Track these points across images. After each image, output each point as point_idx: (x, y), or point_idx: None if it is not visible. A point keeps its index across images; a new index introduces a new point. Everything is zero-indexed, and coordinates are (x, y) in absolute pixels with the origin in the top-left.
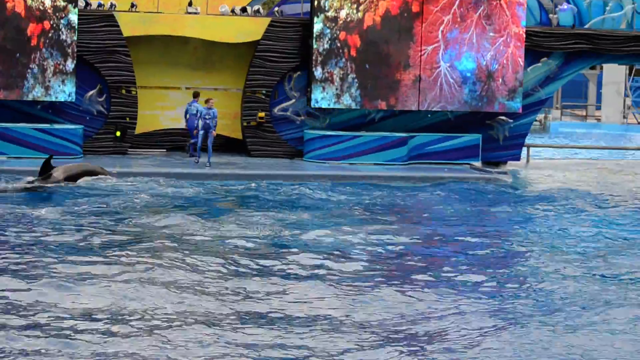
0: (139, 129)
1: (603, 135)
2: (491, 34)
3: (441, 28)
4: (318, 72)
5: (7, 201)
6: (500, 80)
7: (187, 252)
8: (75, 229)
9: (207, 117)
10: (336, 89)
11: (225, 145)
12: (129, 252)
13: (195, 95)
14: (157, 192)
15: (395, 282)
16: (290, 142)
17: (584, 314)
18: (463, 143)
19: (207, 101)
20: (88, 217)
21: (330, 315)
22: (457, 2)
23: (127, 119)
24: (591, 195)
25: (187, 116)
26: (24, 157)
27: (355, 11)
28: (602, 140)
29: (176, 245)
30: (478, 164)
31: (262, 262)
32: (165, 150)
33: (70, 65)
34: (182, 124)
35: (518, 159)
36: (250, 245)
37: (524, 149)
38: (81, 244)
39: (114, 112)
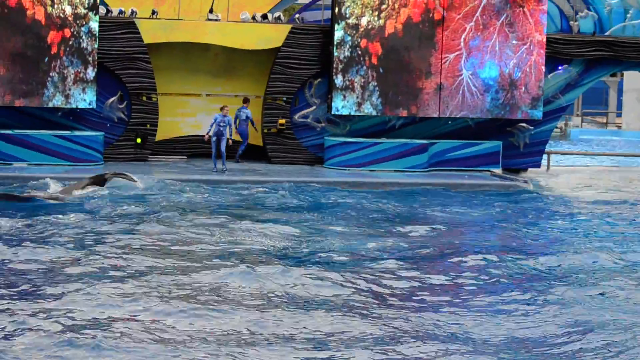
0: (160, 136)
1: (624, 142)
2: (514, 41)
3: (463, 36)
4: (339, 79)
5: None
6: (523, 88)
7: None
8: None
9: (221, 124)
10: (357, 97)
11: (246, 152)
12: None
13: (245, 101)
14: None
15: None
16: (311, 148)
17: None
18: (483, 150)
19: (222, 108)
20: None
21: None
22: (479, 10)
23: (148, 125)
24: (618, 203)
25: (237, 122)
26: (45, 164)
27: (376, 18)
28: (623, 147)
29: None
30: (499, 171)
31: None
32: (185, 157)
33: (91, 73)
34: (202, 131)
35: (539, 166)
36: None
37: (545, 156)
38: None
39: (134, 119)
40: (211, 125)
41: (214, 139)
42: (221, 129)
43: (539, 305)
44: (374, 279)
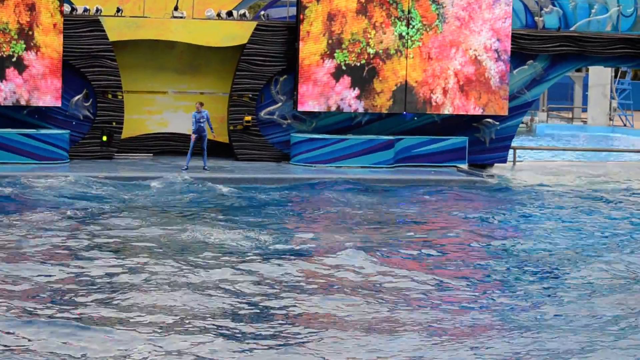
0: (126, 134)
1: (589, 137)
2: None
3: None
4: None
5: None
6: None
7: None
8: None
9: (201, 120)
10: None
11: (212, 149)
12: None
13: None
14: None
15: None
16: (277, 145)
17: None
18: (449, 146)
19: (200, 104)
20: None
21: None
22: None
23: (114, 123)
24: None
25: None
26: (10, 163)
27: None
28: (588, 142)
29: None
30: (465, 166)
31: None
32: (151, 154)
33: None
34: (168, 129)
35: (505, 161)
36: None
37: (511, 151)
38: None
39: (100, 117)
40: (193, 124)
41: (195, 136)
42: (201, 125)
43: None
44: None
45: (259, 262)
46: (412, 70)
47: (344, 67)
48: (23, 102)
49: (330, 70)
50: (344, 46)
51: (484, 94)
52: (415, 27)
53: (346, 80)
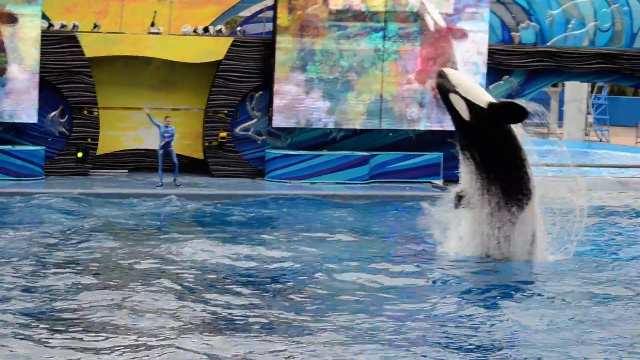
0: (101, 150)
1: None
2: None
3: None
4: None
5: None
6: None
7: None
8: None
9: (166, 134)
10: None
11: (187, 166)
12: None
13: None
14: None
15: None
16: (252, 161)
17: None
18: (424, 161)
19: (165, 118)
20: None
21: None
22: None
23: (89, 139)
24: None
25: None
26: None
27: None
28: (563, 157)
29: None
30: (440, 182)
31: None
32: (126, 171)
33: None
34: (144, 145)
35: None
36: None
37: None
38: None
39: (75, 133)
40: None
41: (161, 152)
42: (168, 140)
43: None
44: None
45: (236, 281)
46: (388, 84)
47: (316, 81)
48: None
49: (303, 84)
50: (316, 59)
51: None
52: (392, 39)
53: (319, 94)
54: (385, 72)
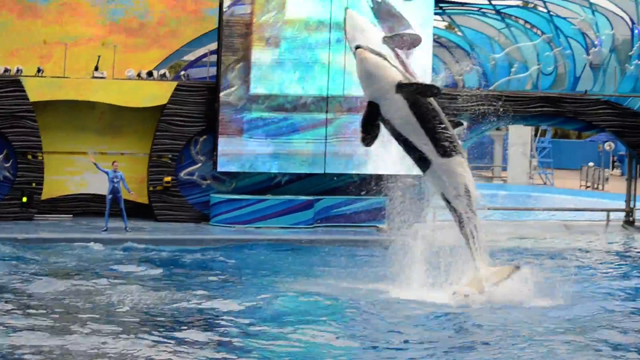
0: (46, 195)
1: (509, 196)
2: None
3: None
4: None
5: None
6: None
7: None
8: None
9: (114, 180)
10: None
11: (131, 210)
12: None
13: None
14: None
15: None
16: (197, 206)
17: None
18: (369, 205)
19: (112, 163)
20: None
21: None
22: None
23: (34, 184)
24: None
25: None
26: None
27: None
28: (508, 201)
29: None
30: (384, 226)
31: None
32: (71, 215)
33: None
34: (88, 189)
35: (424, 221)
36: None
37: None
38: None
39: (20, 178)
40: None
41: (109, 197)
42: (116, 185)
43: None
44: None
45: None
46: (333, 127)
47: (260, 123)
48: None
49: (248, 126)
50: (260, 100)
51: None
52: (336, 80)
53: (264, 137)
54: (330, 115)
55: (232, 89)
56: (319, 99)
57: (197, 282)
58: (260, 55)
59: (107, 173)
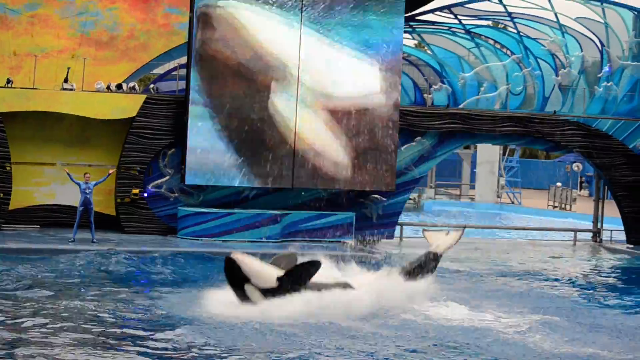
0: (13, 205)
1: (477, 214)
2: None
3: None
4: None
5: None
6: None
7: None
8: None
9: (87, 191)
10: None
11: (99, 222)
12: None
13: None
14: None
15: None
16: (164, 218)
17: None
18: (337, 221)
19: (84, 175)
20: None
21: None
22: None
23: (1, 194)
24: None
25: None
26: None
27: None
28: (476, 219)
29: None
30: (351, 242)
31: None
32: (38, 226)
33: None
34: (56, 200)
35: (392, 237)
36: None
37: (398, 227)
38: None
39: None
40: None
41: (81, 208)
42: (87, 197)
43: None
44: None
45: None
46: (301, 140)
47: (225, 136)
48: None
49: (214, 139)
50: (225, 111)
51: (372, 169)
52: (303, 95)
53: (231, 150)
54: (299, 128)
55: (200, 103)
56: (288, 111)
57: (158, 292)
58: None
59: (79, 184)
